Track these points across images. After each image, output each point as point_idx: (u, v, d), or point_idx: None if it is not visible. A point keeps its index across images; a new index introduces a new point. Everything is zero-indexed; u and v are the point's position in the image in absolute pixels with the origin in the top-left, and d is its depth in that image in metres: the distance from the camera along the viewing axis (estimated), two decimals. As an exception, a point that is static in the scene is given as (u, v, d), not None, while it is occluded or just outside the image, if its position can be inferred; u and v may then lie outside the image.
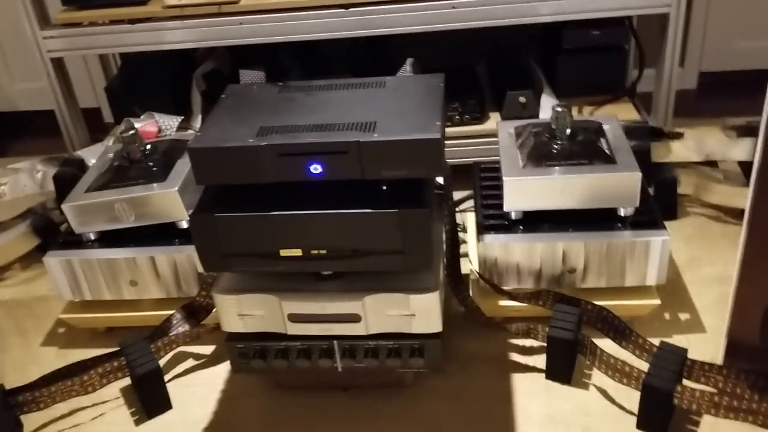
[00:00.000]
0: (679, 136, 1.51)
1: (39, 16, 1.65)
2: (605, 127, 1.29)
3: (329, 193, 1.02)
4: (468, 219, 1.46)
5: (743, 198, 0.96)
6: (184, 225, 1.28)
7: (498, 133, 1.34)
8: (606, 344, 1.13)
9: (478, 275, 1.24)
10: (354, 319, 1.07)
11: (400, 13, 1.55)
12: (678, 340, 1.20)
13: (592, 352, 1.12)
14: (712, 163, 1.56)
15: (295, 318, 1.08)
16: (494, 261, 1.20)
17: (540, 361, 1.19)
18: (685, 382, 1.06)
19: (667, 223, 1.19)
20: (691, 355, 1.06)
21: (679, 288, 1.33)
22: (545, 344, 1.14)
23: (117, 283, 1.28)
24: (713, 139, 1.51)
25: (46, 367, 1.19)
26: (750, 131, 1.49)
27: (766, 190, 0.95)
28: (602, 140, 1.25)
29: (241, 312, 1.09)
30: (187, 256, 1.25)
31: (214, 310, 1.23)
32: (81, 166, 1.61)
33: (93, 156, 1.61)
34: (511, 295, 1.21)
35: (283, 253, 1.03)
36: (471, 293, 1.26)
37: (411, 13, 1.54)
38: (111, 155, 1.41)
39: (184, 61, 1.90)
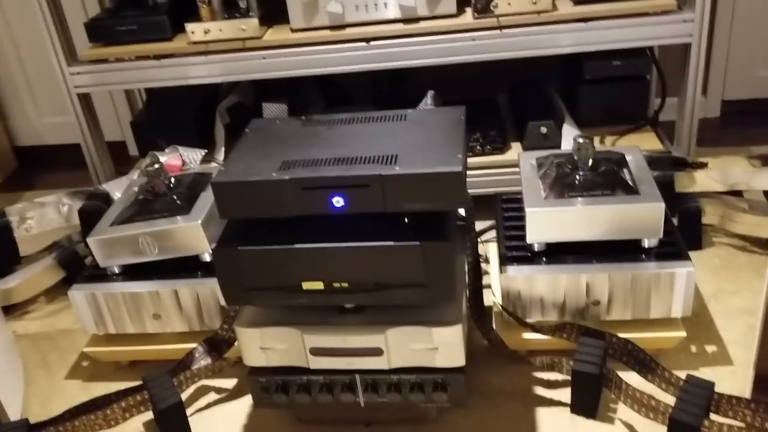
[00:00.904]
0: (702, 165, 1.50)
1: (66, 52, 1.69)
2: (628, 157, 1.29)
3: (351, 226, 1.02)
4: (490, 250, 1.46)
5: (770, 229, 0.95)
6: (207, 258, 1.29)
7: (520, 164, 1.34)
8: (631, 378, 1.12)
9: (501, 308, 1.23)
10: (376, 352, 1.06)
11: (421, 46, 1.56)
12: (705, 373, 1.18)
13: (617, 386, 1.10)
14: (737, 193, 1.54)
15: (317, 351, 1.08)
16: (517, 293, 1.19)
17: (565, 395, 1.17)
18: (713, 416, 1.03)
19: (692, 254, 1.18)
20: (718, 389, 1.04)
21: (705, 320, 1.31)
22: (570, 378, 1.13)
23: (140, 316, 1.29)
24: (738, 169, 1.49)
25: (69, 401, 1.20)
26: (775, 160, 1.47)
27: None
28: (625, 171, 1.24)
29: (264, 345, 1.09)
30: (210, 289, 1.25)
31: (236, 343, 1.23)
32: (106, 200, 1.63)
33: (118, 189, 1.64)
34: (534, 328, 1.20)
35: (306, 286, 1.03)
36: (494, 326, 1.25)
37: (431, 46, 1.56)
38: (136, 189, 1.43)
39: (208, 95, 1.93)
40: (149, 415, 1.17)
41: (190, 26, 1.60)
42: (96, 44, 1.70)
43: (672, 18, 1.50)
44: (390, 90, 1.96)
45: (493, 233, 1.49)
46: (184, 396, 1.17)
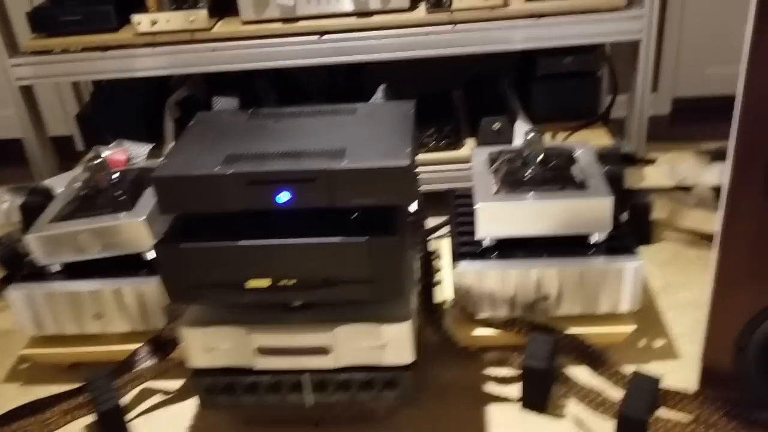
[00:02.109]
0: (652, 161, 1.51)
1: (7, 43, 1.63)
2: (578, 153, 1.29)
3: (298, 221, 1.00)
4: (443, 246, 1.45)
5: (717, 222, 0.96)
6: (151, 256, 1.25)
7: (472, 160, 1.33)
8: (581, 373, 1.12)
9: (452, 303, 1.22)
10: (323, 351, 1.04)
11: (375, 41, 1.54)
12: (654, 366, 1.19)
13: (566, 381, 1.10)
14: (686, 188, 1.56)
15: (263, 351, 1.05)
16: (468, 289, 1.19)
17: (516, 390, 1.17)
18: (662, 410, 1.04)
19: (642, 249, 1.19)
20: (667, 383, 1.04)
21: (654, 314, 1.32)
22: (520, 373, 1.12)
23: (80, 316, 1.25)
24: (686, 165, 1.51)
25: (7, 405, 1.15)
26: (722, 156, 1.49)
27: (735, 216, 0.94)
28: (574, 166, 1.24)
29: (208, 345, 1.06)
30: (154, 287, 1.22)
31: (181, 343, 1.20)
32: (48, 196, 1.57)
33: (61, 185, 1.58)
34: (485, 324, 1.20)
35: (252, 284, 1.01)
36: (445, 321, 1.24)
37: (384, 41, 1.54)
38: (78, 184, 1.38)
39: (157, 89, 1.88)
40: (89, 419, 1.13)
41: (136, 17, 1.56)
42: (39, 35, 1.65)
43: (621, 15, 1.51)
44: (346, 84, 1.94)
45: (446, 230, 1.48)
46: (128, 398, 1.14)
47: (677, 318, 1.31)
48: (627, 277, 1.15)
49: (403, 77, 1.71)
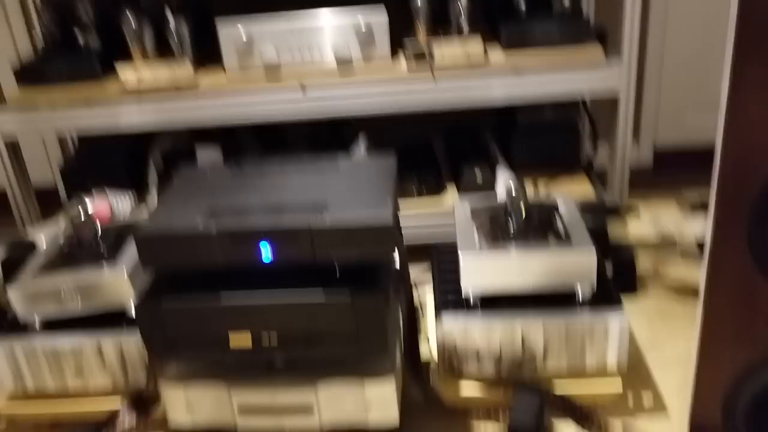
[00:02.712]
0: (635, 213, 1.52)
1: (-8, 95, 1.64)
2: (560, 205, 1.30)
3: (281, 277, 0.99)
4: (427, 299, 1.44)
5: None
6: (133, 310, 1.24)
7: (455, 212, 1.34)
8: (569, 430, 1.10)
9: (437, 360, 1.20)
10: (306, 410, 1.02)
11: (356, 99, 1.56)
12: (643, 423, 1.17)
13: (554, 439, 1.09)
14: (670, 240, 1.57)
15: (245, 409, 1.03)
16: (453, 344, 1.18)
17: (502, 447, 1.15)
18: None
19: (627, 302, 1.18)
20: (654, 440, 1.03)
21: (641, 369, 1.31)
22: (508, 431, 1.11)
23: (61, 372, 1.22)
24: (669, 216, 1.52)
25: (-20, 466, 1.12)
26: (705, 207, 1.50)
27: (718, 271, 0.95)
28: (557, 219, 1.25)
29: (189, 404, 1.04)
30: (135, 343, 1.20)
31: (161, 400, 1.18)
32: (31, 249, 1.56)
33: (43, 238, 1.57)
34: (471, 380, 1.18)
35: (233, 341, 1.00)
36: (430, 379, 1.22)
37: (367, 99, 1.56)
38: (61, 237, 1.37)
39: (141, 139, 1.89)
40: (66, 481, 1.10)
41: (123, 73, 1.57)
42: (25, 87, 1.65)
43: (601, 70, 1.54)
44: (327, 134, 1.95)
45: (429, 282, 1.47)
46: (106, 458, 1.11)
47: (665, 373, 1.30)
48: (613, 331, 1.14)
49: (384, 126, 1.73)
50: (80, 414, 1.24)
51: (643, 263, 1.52)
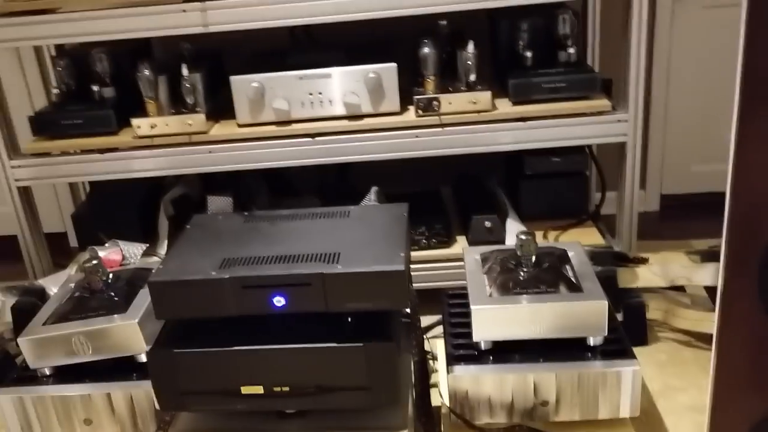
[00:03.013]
0: (644, 261, 1.53)
1: (8, 145, 1.66)
2: (570, 253, 1.30)
3: (293, 325, 1.00)
4: (438, 347, 1.43)
5: (712, 323, 0.96)
6: (143, 359, 1.24)
7: (465, 259, 1.34)
8: (582, 481, 1.09)
9: (449, 410, 1.20)
10: (318, 461, 1.02)
11: (365, 142, 1.58)
12: (656, 473, 1.16)
13: (568, 491, 1.07)
14: (679, 288, 1.57)
15: (256, 460, 1.03)
16: (465, 394, 1.17)
17: (515, 500, 1.13)
18: None
19: (637, 350, 1.18)
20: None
21: (654, 418, 1.30)
22: (520, 482, 1.09)
23: (70, 422, 1.22)
24: (678, 264, 1.52)
25: None
26: (713, 256, 1.51)
27: (730, 320, 0.95)
28: (567, 267, 1.25)
29: (200, 455, 1.03)
30: (145, 391, 1.19)
31: (172, 450, 1.17)
32: (41, 296, 1.57)
33: (54, 285, 1.58)
34: (483, 431, 1.17)
35: (245, 390, 1.00)
36: (442, 429, 1.21)
37: (375, 142, 1.58)
38: (72, 285, 1.38)
39: (152, 187, 1.91)
40: None
41: (136, 121, 1.60)
42: (40, 137, 1.68)
43: (607, 118, 1.56)
44: (336, 182, 1.97)
45: (440, 329, 1.47)
46: None
47: (678, 422, 1.29)
48: (625, 381, 1.14)
49: (392, 174, 1.75)
50: (88, 464, 1.23)
51: (654, 311, 1.52)
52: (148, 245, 1.69)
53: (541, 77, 1.56)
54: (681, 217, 2.07)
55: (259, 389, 0.99)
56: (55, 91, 1.72)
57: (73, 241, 2.22)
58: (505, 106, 1.58)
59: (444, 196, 1.87)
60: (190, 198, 1.89)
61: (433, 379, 1.34)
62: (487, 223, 1.64)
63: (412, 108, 1.59)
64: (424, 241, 1.66)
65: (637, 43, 1.52)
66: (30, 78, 2.11)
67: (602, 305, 1.15)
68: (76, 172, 1.67)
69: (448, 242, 1.67)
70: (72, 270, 1.64)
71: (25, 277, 1.76)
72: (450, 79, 1.58)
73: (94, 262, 1.32)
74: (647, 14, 1.51)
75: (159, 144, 1.62)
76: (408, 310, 1.19)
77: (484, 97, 1.54)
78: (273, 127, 1.61)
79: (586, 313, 1.16)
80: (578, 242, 1.36)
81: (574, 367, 1.14)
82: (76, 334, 1.22)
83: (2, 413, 1.22)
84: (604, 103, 1.56)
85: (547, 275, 1.22)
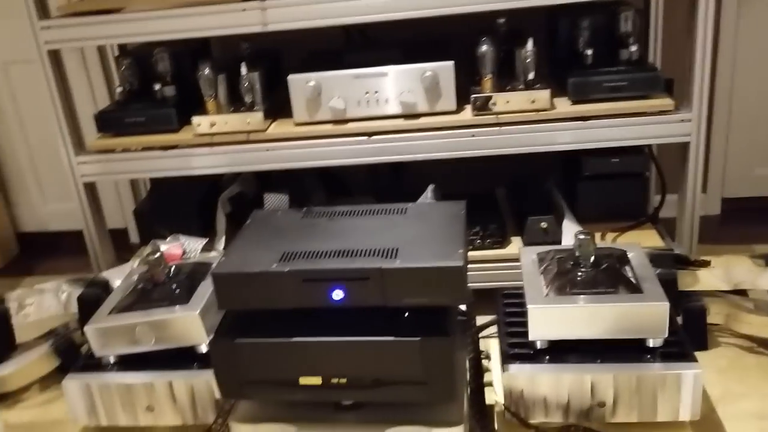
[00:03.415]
0: (705, 264, 1.49)
1: (75, 142, 1.72)
2: (629, 254, 1.28)
3: (351, 320, 1.01)
4: (492, 346, 1.43)
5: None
6: (204, 349, 1.27)
7: (521, 259, 1.34)
8: (640, 484, 1.07)
9: (504, 408, 1.19)
10: (374, 453, 1.02)
11: (421, 141, 1.59)
12: (717, 480, 1.13)
13: (625, 493, 1.06)
14: (741, 292, 1.52)
15: (313, 451, 1.04)
16: (520, 393, 1.16)
17: (570, 501, 1.12)
18: None
19: (698, 355, 1.16)
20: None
21: (714, 423, 1.27)
22: (575, 483, 1.08)
23: (133, 408, 1.26)
24: (741, 268, 1.48)
25: (53, 499, 1.15)
26: (777, 260, 1.47)
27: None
28: (627, 268, 1.24)
29: (258, 443, 1.05)
30: (205, 381, 1.22)
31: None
32: (105, 288, 1.62)
33: (118, 277, 1.63)
34: (538, 429, 1.16)
35: (303, 381, 1.01)
36: (497, 426, 1.21)
37: (431, 141, 1.58)
38: (135, 277, 1.42)
39: (210, 185, 1.95)
40: None
41: (196, 119, 1.64)
42: (104, 135, 1.74)
43: (670, 118, 1.53)
44: (389, 182, 1.98)
45: (494, 329, 1.47)
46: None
47: (738, 428, 1.25)
48: (686, 384, 1.12)
49: (445, 175, 1.75)
50: (150, 450, 1.27)
51: (715, 315, 1.48)
52: (207, 240, 1.72)
53: (601, 76, 1.53)
54: (743, 222, 2.02)
55: (317, 380, 1.00)
56: (118, 89, 1.77)
57: (133, 237, 2.29)
58: (563, 106, 1.57)
59: (499, 197, 1.86)
60: (247, 196, 1.93)
61: (486, 378, 1.33)
62: (543, 224, 1.62)
63: (468, 107, 1.58)
64: (478, 241, 1.65)
65: (703, 41, 1.49)
66: (93, 77, 2.18)
67: (663, 307, 1.13)
68: (138, 168, 1.71)
69: (502, 243, 1.66)
70: (134, 263, 1.69)
71: (90, 270, 1.82)
72: (507, 77, 1.57)
73: (157, 255, 1.36)
74: (713, 12, 1.48)
75: (218, 142, 1.65)
76: (464, 308, 1.19)
77: (542, 95, 1.53)
78: (329, 126, 1.63)
79: (647, 315, 1.14)
80: (638, 243, 1.34)
81: (632, 369, 1.13)
82: (139, 324, 1.26)
83: (69, 399, 1.26)
84: (666, 102, 1.53)
85: (605, 276, 1.20)
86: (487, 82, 1.54)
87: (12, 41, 2.17)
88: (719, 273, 1.48)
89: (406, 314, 1.01)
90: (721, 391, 1.35)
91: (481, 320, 1.49)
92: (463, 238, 1.05)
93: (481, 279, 1.60)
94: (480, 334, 1.48)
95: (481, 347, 1.37)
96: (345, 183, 2.02)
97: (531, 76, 1.54)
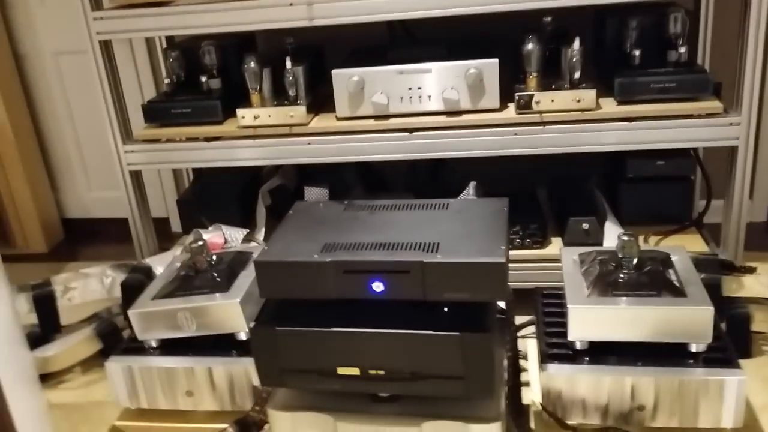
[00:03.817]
0: (752, 270, 1.46)
1: (122, 131, 1.75)
2: (673, 257, 1.26)
3: (390, 312, 1.01)
4: (529, 346, 1.42)
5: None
6: (243, 337, 1.29)
7: (562, 259, 1.32)
8: (678, 490, 1.06)
9: (541, 407, 1.18)
10: (410, 446, 1.03)
11: (463, 138, 1.58)
12: (758, 490, 1.11)
13: (663, 499, 1.04)
14: (787, 301, 1.49)
15: (349, 441, 1.05)
16: (558, 393, 1.15)
17: (606, 504, 1.11)
18: None
19: (740, 362, 1.13)
20: None
21: (756, 432, 1.25)
22: (612, 486, 1.07)
23: (173, 392, 1.28)
24: (788, 275, 1.45)
25: (94, 477, 1.17)
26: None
27: None
28: (671, 271, 1.22)
29: (295, 430, 1.06)
30: (244, 368, 1.24)
31: (266, 426, 1.21)
32: (148, 274, 1.65)
33: (160, 264, 1.66)
34: (576, 430, 1.15)
35: (341, 371, 1.02)
36: (533, 426, 1.20)
37: (473, 139, 1.58)
38: (178, 264, 1.45)
39: (251, 177, 1.98)
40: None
41: (240, 111, 1.66)
42: (151, 125, 1.77)
43: (718, 121, 1.51)
44: (428, 179, 1.98)
45: (531, 329, 1.46)
46: (209, 479, 1.14)
47: (782, 438, 1.23)
48: (729, 391, 1.10)
49: (485, 174, 1.74)
50: (188, 430, 1.29)
51: (759, 323, 1.45)
52: (248, 231, 1.74)
53: (649, 76, 1.51)
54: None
55: (355, 371, 1.01)
56: (165, 81, 1.80)
57: (175, 227, 2.33)
58: (609, 106, 1.55)
59: (540, 197, 1.85)
60: (287, 189, 1.95)
61: (523, 378, 1.32)
62: (585, 225, 1.61)
63: (512, 105, 1.58)
64: (518, 240, 1.64)
65: (755, 43, 1.46)
66: (141, 68, 2.22)
67: (707, 311, 1.11)
68: (182, 158, 1.74)
69: (542, 243, 1.65)
70: (177, 251, 1.72)
71: (133, 257, 1.86)
72: (553, 76, 1.56)
73: (200, 243, 1.38)
74: (766, 13, 1.45)
75: (261, 134, 1.67)
76: (503, 306, 1.18)
77: (588, 95, 1.51)
78: (371, 121, 1.63)
79: (690, 319, 1.12)
80: (683, 247, 1.32)
81: (674, 373, 1.11)
82: (181, 309, 1.28)
83: (111, 380, 1.29)
84: (715, 104, 1.51)
85: (649, 278, 1.18)
86: (532, 80, 1.53)
87: (63, 32, 2.23)
88: (765, 280, 1.45)
89: (446, 309, 1.01)
90: (764, 400, 1.32)
91: (519, 320, 1.49)
92: (506, 234, 1.04)
93: (520, 279, 1.59)
94: (519, 334, 1.47)
95: (519, 347, 1.36)
96: (384, 180, 2.02)
97: (577, 75, 1.52)
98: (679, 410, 1.12)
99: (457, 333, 0.97)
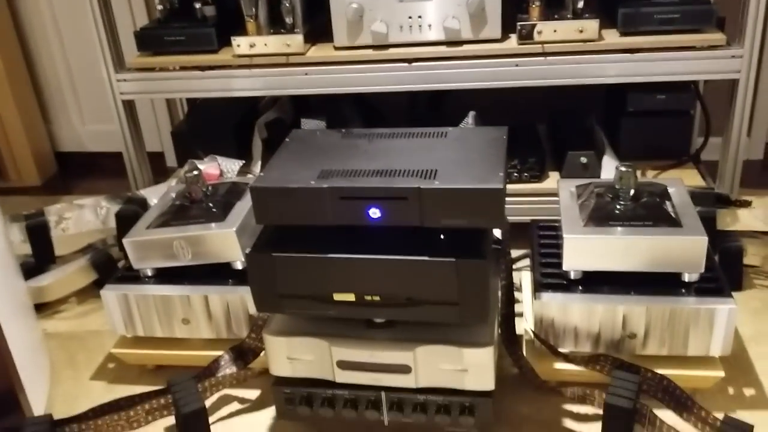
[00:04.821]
0: (747, 204, 1.47)
1: (115, 59, 1.72)
2: (671, 189, 1.26)
3: (386, 239, 1.01)
4: (523, 278, 1.43)
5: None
6: (239, 266, 1.29)
7: (558, 192, 1.32)
8: (666, 415, 1.08)
9: (533, 335, 1.20)
10: (404, 370, 1.04)
11: (463, 69, 1.56)
12: (742, 415, 1.13)
13: (651, 423, 1.07)
14: (780, 235, 1.50)
15: (344, 365, 1.06)
16: (551, 321, 1.17)
17: (595, 429, 1.14)
18: (753, 461, 0.99)
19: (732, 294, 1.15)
20: (759, 433, 1.00)
21: (744, 362, 1.27)
22: (601, 411, 1.09)
23: (170, 320, 1.29)
24: (782, 211, 1.46)
25: (94, 401, 1.19)
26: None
27: None
28: (667, 203, 1.22)
29: (291, 355, 1.08)
30: (240, 297, 1.25)
31: (262, 353, 1.22)
32: (143, 205, 1.65)
33: (155, 196, 1.65)
34: (567, 358, 1.17)
35: (337, 297, 1.02)
36: (525, 354, 1.22)
37: (474, 70, 1.55)
38: (173, 195, 1.44)
39: (247, 109, 1.95)
40: (172, 420, 1.16)
41: (236, 39, 1.62)
42: (144, 53, 1.73)
43: (720, 53, 1.48)
44: (427, 112, 1.96)
45: (526, 262, 1.47)
46: (207, 403, 1.16)
47: (769, 368, 1.25)
48: (719, 320, 1.11)
49: (485, 107, 1.72)
50: (184, 359, 1.31)
51: (752, 256, 1.46)
52: (244, 162, 1.73)
53: (652, 7, 1.48)
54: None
55: (350, 297, 1.02)
56: (159, 7, 1.76)
57: (170, 161, 2.31)
58: (612, 37, 1.52)
59: (539, 131, 1.83)
60: (284, 122, 1.93)
61: (517, 309, 1.34)
62: (583, 159, 1.60)
63: (513, 36, 1.55)
64: (516, 174, 1.64)
65: (761, -26, 1.43)
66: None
67: (701, 241, 1.12)
68: (177, 88, 1.71)
69: (540, 177, 1.64)
70: (172, 182, 1.71)
71: (128, 191, 1.85)
72: (555, 6, 1.53)
73: (195, 172, 1.37)
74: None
75: (257, 64, 1.64)
76: (499, 235, 1.19)
77: (591, 25, 1.48)
78: (370, 51, 1.60)
79: (684, 249, 1.13)
80: (680, 179, 1.32)
81: (666, 302, 1.12)
82: (177, 238, 1.28)
83: (108, 308, 1.30)
84: (718, 36, 1.48)
85: (645, 209, 1.19)
86: (535, 9, 1.50)
87: (52, -43, 2.16)
88: (759, 214, 1.45)
89: (442, 236, 1.01)
90: (753, 331, 1.35)
91: (514, 254, 1.49)
92: (504, 161, 1.03)
93: (517, 213, 1.59)
94: (514, 264, 1.49)
95: (513, 279, 1.37)
96: (381, 113, 2.00)
97: (580, 5, 1.49)
98: (669, 338, 1.14)
99: (453, 259, 0.97)
